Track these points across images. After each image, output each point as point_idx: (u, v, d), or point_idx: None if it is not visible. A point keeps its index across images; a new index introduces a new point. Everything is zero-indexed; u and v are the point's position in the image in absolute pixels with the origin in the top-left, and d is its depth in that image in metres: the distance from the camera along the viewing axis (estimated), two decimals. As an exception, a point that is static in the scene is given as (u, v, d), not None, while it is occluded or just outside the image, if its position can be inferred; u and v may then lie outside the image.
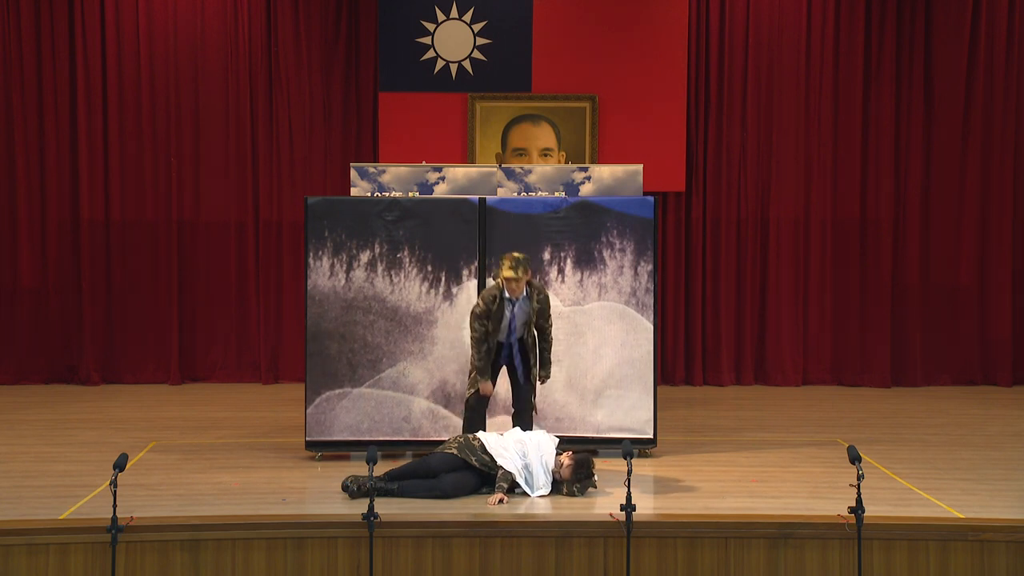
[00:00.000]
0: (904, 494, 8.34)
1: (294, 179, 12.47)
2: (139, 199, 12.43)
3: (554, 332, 8.95)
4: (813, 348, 12.59)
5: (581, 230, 9.30)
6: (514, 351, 8.83)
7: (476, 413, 8.83)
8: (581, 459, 8.22)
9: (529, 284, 8.77)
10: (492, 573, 7.48)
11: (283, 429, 10.24)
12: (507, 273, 8.64)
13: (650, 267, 9.30)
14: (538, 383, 8.92)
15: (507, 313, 8.72)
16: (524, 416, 8.84)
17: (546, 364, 8.92)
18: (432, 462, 8.24)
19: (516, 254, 8.70)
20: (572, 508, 7.95)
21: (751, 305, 12.60)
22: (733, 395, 12.17)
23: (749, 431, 10.40)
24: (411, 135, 12.07)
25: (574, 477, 8.18)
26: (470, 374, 8.82)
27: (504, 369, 8.94)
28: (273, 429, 10.30)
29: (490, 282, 9.09)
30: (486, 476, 8.22)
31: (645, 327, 9.32)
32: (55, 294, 12.42)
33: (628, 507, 7.09)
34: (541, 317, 8.81)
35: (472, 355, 8.76)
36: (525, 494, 8.19)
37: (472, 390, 8.79)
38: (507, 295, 8.70)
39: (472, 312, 8.78)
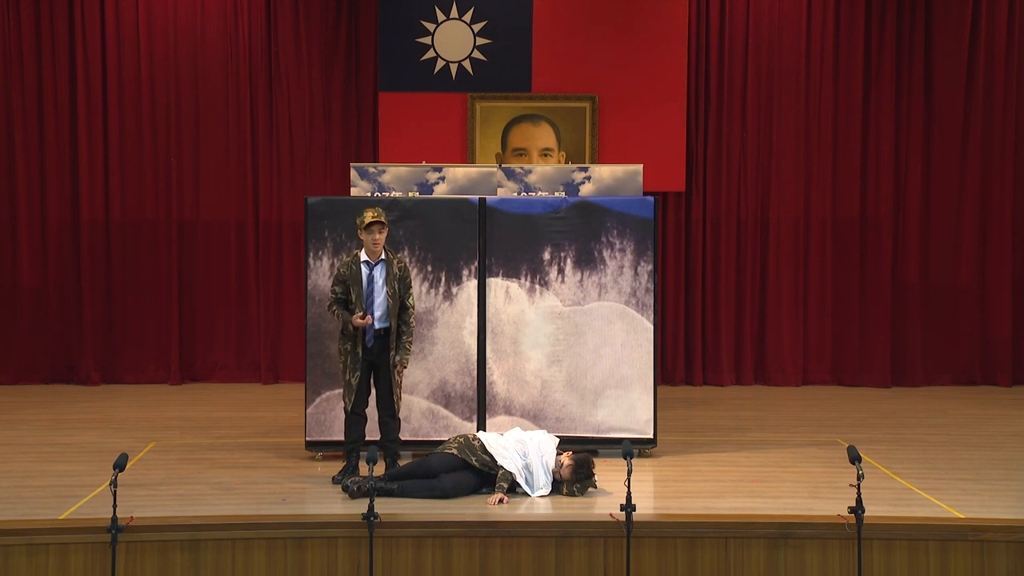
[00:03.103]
0: (904, 494, 8.34)
1: (294, 179, 12.47)
2: (139, 199, 12.43)
3: (553, 332, 8.90)
4: (813, 348, 12.58)
5: (581, 230, 9.29)
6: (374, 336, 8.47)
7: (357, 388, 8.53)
8: (581, 459, 8.22)
9: (387, 251, 8.51)
10: (492, 573, 7.48)
11: (283, 429, 10.24)
12: (370, 216, 8.34)
13: (650, 267, 9.29)
14: (399, 368, 8.49)
15: (364, 274, 8.43)
16: (385, 402, 8.52)
17: (403, 348, 8.49)
18: (432, 462, 8.24)
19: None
20: (572, 508, 7.95)
21: (751, 305, 12.59)
22: (733, 395, 12.17)
23: (749, 431, 10.40)
24: (411, 135, 12.07)
25: (574, 477, 8.18)
26: (340, 340, 8.58)
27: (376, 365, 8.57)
28: (273, 429, 10.30)
29: (490, 280, 9.08)
30: (486, 476, 8.22)
31: (645, 327, 9.32)
32: (55, 294, 12.41)
33: (628, 507, 7.09)
34: (403, 286, 8.46)
35: (337, 318, 8.53)
36: (525, 494, 8.19)
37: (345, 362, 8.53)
38: (365, 257, 8.48)
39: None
